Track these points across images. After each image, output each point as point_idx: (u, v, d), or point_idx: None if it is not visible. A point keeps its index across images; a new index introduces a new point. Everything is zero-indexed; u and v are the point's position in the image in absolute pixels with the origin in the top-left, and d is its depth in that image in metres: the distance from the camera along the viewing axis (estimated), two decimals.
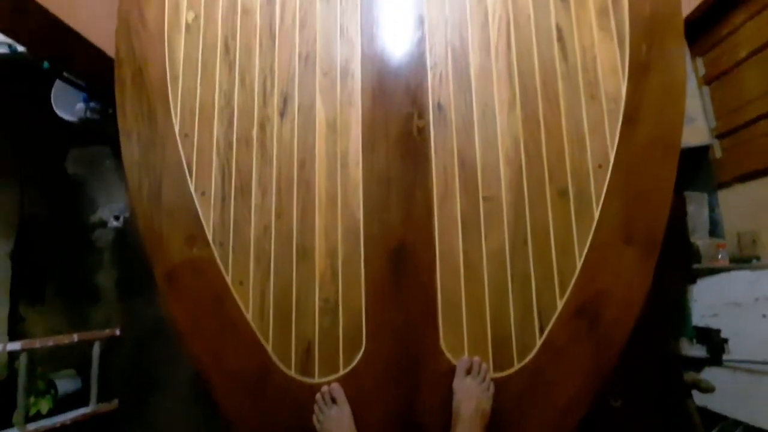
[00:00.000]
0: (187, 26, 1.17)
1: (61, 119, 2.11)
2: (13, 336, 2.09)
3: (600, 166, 1.04)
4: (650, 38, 1.12)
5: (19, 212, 2.35)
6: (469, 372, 0.96)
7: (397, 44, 1.11)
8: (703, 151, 1.83)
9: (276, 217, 1.04)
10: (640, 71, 1.10)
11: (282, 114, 1.09)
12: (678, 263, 1.66)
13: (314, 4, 1.15)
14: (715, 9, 1.78)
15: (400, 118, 1.06)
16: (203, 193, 1.07)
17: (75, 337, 1.76)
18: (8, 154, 2.32)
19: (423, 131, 1.05)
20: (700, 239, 1.74)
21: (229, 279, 1.02)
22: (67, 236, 2.37)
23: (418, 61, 1.09)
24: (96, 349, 1.82)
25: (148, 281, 1.12)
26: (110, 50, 1.45)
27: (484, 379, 0.95)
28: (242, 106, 1.11)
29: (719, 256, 1.59)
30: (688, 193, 1.83)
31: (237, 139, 1.09)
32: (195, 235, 1.05)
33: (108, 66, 1.28)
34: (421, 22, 1.11)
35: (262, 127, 1.09)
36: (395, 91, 1.07)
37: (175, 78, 1.14)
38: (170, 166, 1.10)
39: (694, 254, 1.68)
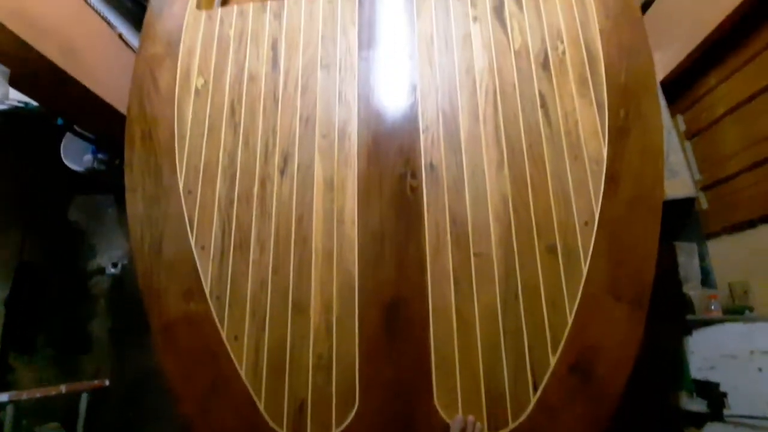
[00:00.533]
0: (197, 91, 1.26)
1: (67, 168, 2.19)
2: (0, 386, 2.03)
3: (586, 224, 1.08)
4: (627, 104, 1.20)
5: (17, 258, 2.37)
6: (463, 431, 0.95)
7: (391, 109, 1.19)
8: (689, 203, 1.89)
9: (273, 272, 1.07)
10: (619, 135, 1.17)
11: (282, 172, 1.15)
12: (672, 315, 1.67)
13: (315, 71, 1.24)
14: (690, 71, 1.91)
15: (394, 177, 1.12)
16: (203, 248, 1.11)
17: (63, 388, 1.73)
18: (12, 200, 2.36)
19: (416, 190, 1.10)
20: (692, 290, 1.76)
21: (224, 334, 1.03)
22: (63, 283, 2.38)
23: (411, 125, 1.16)
24: (83, 402, 1.77)
25: (141, 331, 1.12)
26: (121, 107, 1.54)
27: None
28: (245, 165, 1.17)
29: (712, 307, 1.60)
30: (677, 244, 1.87)
31: (238, 195, 1.14)
32: (193, 289, 1.07)
33: (118, 121, 1.36)
34: (414, 89, 1.20)
35: (263, 185, 1.14)
36: (389, 152, 1.14)
37: (182, 138, 1.21)
38: (172, 220, 1.14)
39: (687, 305, 1.69)
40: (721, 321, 1.53)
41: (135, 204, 1.18)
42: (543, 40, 1.25)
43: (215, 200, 1.15)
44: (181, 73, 1.29)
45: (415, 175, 1.12)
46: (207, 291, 1.07)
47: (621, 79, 1.23)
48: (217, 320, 1.04)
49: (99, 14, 1.76)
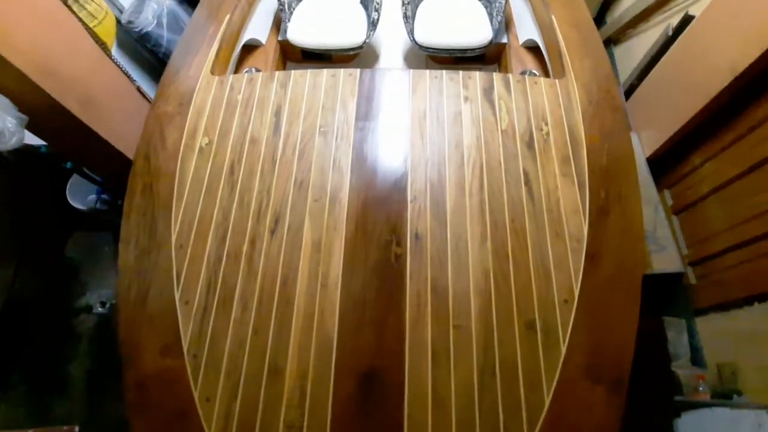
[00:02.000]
0: (200, 149, 1.33)
1: (70, 204, 2.24)
2: None
3: (566, 301, 1.10)
4: (607, 185, 1.26)
5: (7, 292, 2.36)
6: None
7: (382, 178, 1.25)
8: (677, 277, 1.91)
9: (253, 332, 1.07)
10: (599, 214, 1.22)
11: (272, 232, 1.19)
12: (661, 393, 1.63)
13: (313, 138, 1.32)
14: (675, 149, 2.00)
15: (380, 244, 1.15)
16: (186, 303, 1.12)
17: None
18: (7, 232, 2.39)
19: (400, 258, 1.13)
20: (681, 368, 1.73)
21: (196, 394, 1.02)
22: (49, 319, 2.36)
23: (400, 194, 1.21)
24: None
25: (119, 378, 1.11)
26: (130, 153, 1.61)
27: None
28: (237, 223, 1.21)
29: (700, 389, 1.57)
30: (666, 319, 1.86)
31: (228, 252, 1.17)
32: (171, 345, 1.07)
33: (127, 167, 1.42)
34: (405, 159, 1.27)
35: (253, 243, 1.18)
36: (377, 219, 1.18)
37: (181, 193, 1.27)
38: (160, 273, 1.16)
39: (676, 384, 1.66)
40: (709, 405, 1.49)
41: (127, 255, 1.21)
42: (529, 121, 1.33)
43: (205, 256, 1.17)
44: (188, 132, 1.37)
45: (400, 242, 1.15)
46: (185, 348, 1.07)
47: (602, 162, 1.30)
48: (191, 379, 1.03)
49: (120, 68, 1.89)
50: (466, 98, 1.36)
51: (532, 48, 1.90)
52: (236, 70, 1.92)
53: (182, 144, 1.35)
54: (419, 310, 1.08)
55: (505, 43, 2.03)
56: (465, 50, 1.91)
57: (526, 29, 1.93)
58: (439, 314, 1.07)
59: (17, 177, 2.14)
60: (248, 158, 1.30)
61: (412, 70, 1.42)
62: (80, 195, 2.26)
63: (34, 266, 2.41)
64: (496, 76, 1.41)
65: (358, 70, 1.42)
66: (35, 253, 2.42)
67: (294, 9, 2.04)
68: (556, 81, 1.43)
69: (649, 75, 2.04)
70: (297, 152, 1.29)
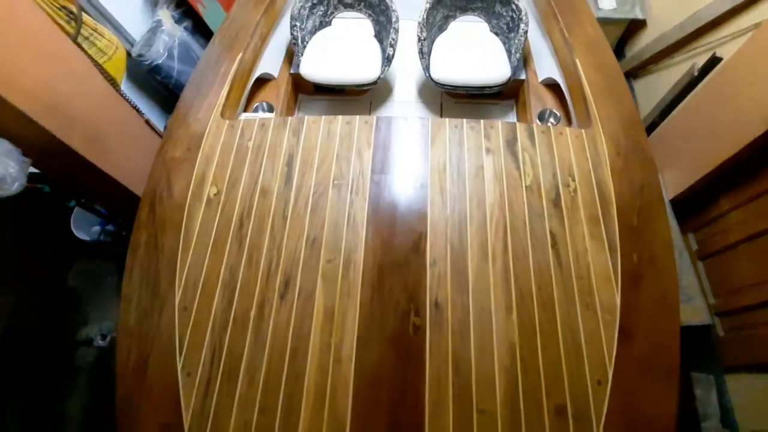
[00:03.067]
0: (208, 200, 1.27)
1: (74, 234, 2.19)
2: None
3: (599, 383, 1.01)
4: (640, 248, 1.18)
5: (7, 320, 2.30)
6: None
7: (399, 238, 1.17)
8: (704, 330, 1.81)
9: (259, 412, 0.99)
10: (632, 281, 1.13)
11: (282, 296, 1.11)
12: None
13: (327, 190, 1.25)
14: (701, 192, 1.91)
15: (397, 314, 1.07)
16: (189, 374, 1.05)
17: None
18: (10, 259, 2.34)
19: (419, 330, 1.05)
20: (711, 430, 1.62)
21: None
22: (47, 351, 2.29)
23: (418, 258, 1.14)
24: None
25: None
26: (139, 190, 1.55)
27: None
28: (245, 284, 1.14)
29: None
30: (694, 375, 1.76)
31: (234, 317, 1.10)
32: (171, 423, 0.99)
33: (134, 201, 1.36)
34: (423, 218, 1.20)
35: (261, 308, 1.10)
36: (394, 286, 1.11)
37: (186, 248, 1.20)
38: (162, 339, 1.09)
39: None
40: None
41: (128, 315, 1.14)
42: (554, 177, 1.26)
43: (210, 320, 1.10)
44: (196, 180, 1.31)
45: (419, 312, 1.08)
46: (186, 426, 0.99)
47: (633, 222, 1.22)
48: None
49: (129, 102, 1.85)
50: (488, 150, 1.29)
51: (551, 85, 1.84)
52: (247, 104, 1.88)
53: (189, 193, 1.29)
54: (440, 392, 0.99)
55: (524, 80, 1.97)
56: (482, 88, 1.85)
57: (546, 67, 1.87)
58: (461, 396, 0.99)
59: (19, 209, 2.10)
60: (258, 211, 1.23)
61: (430, 118, 1.36)
62: (84, 225, 2.21)
63: (34, 296, 2.36)
64: (520, 127, 1.34)
65: (374, 117, 1.36)
66: (36, 282, 2.37)
67: (307, 43, 1.99)
68: (582, 131, 1.36)
69: (673, 114, 1.97)
70: (309, 206, 1.23)
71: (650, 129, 2.18)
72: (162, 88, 2.13)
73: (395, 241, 1.17)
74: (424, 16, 1.84)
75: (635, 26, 2.33)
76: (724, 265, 1.84)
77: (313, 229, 1.19)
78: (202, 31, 2.22)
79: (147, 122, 1.96)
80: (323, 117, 1.37)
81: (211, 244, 1.20)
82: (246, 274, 1.15)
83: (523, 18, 1.80)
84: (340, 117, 1.37)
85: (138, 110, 1.91)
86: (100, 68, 1.65)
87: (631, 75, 2.40)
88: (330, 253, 1.16)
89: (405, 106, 2.14)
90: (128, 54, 1.93)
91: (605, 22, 2.30)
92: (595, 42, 1.62)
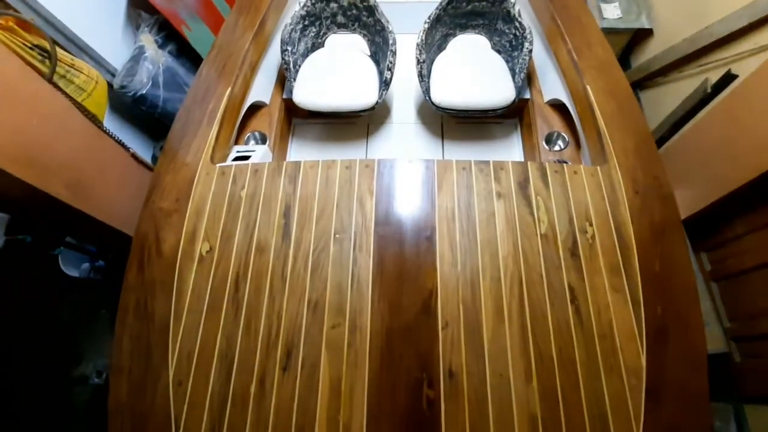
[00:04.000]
0: (201, 258, 1.18)
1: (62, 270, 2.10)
2: None
3: None
4: (664, 299, 1.11)
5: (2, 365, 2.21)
6: None
7: (408, 298, 1.09)
8: (721, 358, 1.75)
9: None
10: (657, 337, 1.06)
11: (285, 369, 1.03)
12: None
13: (328, 246, 1.16)
14: (715, 213, 1.84)
15: (409, 385, 1.00)
16: None
17: None
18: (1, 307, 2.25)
19: (433, 405, 0.98)
20: None
21: None
22: (44, 392, 2.21)
23: (429, 320, 1.06)
24: None
25: None
26: (129, 229, 1.45)
27: None
28: (243, 355, 1.06)
29: None
30: (712, 404, 1.70)
31: (233, 393, 1.02)
32: None
33: (124, 241, 1.26)
34: (433, 275, 1.12)
35: (262, 383, 1.02)
36: (404, 353, 1.03)
37: (179, 314, 1.12)
38: (157, 418, 1.01)
39: None
40: None
41: (119, 389, 1.06)
42: (571, 222, 1.18)
43: (207, 397, 1.02)
44: (187, 235, 1.22)
45: (432, 383, 1.00)
46: None
47: (655, 268, 1.15)
48: None
49: (113, 137, 1.74)
50: (499, 195, 1.21)
51: (557, 105, 1.76)
52: (239, 135, 1.78)
53: (180, 250, 1.20)
54: None
55: (528, 99, 1.88)
56: (485, 111, 1.77)
57: (552, 87, 1.78)
58: None
59: (2, 262, 2.00)
60: (255, 271, 1.15)
61: (436, 161, 1.27)
62: (74, 261, 2.12)
63: (27, 337, 2.27)
64: (532, 167, 1.26)
65: (376, 160, 1.27)
66: (28, 322, 2.28)
67: (300, 66, 1.89)
68: (598, 168, 1.28)
69: (685, 131, 1.89)
70: (310, 265, 1.14)
71: (659, 143, 2.11)
72: (149, 116, 2.02)
73: (404, 301, 1.09)
74: (423, 37, 1.74)
75: (641, 35, 2.24)
76: (740, 288, 1.78)
77: (314, 291, 1.11)
78: (188, 54, 2.11)
79: (134, 156, 1.86)
80: (320, 162, 1.28)
81: (205, 310, 1.12)
82: (244, 343, 1.07)
83: (528, 36, 1.71)
84: (339, 161, 1.28)
85: (123, 145, 1.81)
86: (79, 107, 1.54)
87: (638, 86, 2.31)
88: (334, 317, 1.08)
89: (404, 128, 2.05)
90: (110, 85, 1.82)
91: (610, 32, 2.21)
92: (606, 65, 1.53)
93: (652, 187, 1.27)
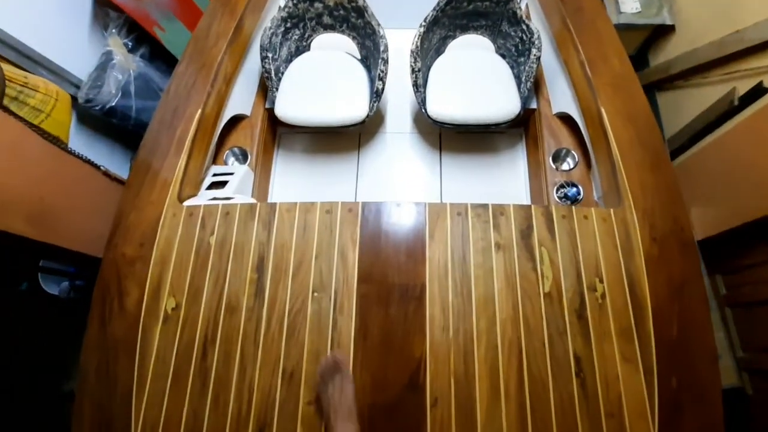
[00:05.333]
0: (166, 316, 1.07)
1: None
2: None
3: None
4: (680, 369, 0.99)
5: None
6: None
7: (393, 370, 0.98)
8: (735, 393, 1.65)
9: None
10: (671, 414, 0.95)
11: None
12: None
13: (306, 306, 1.04)
14: (733, 235, 1.70)
15: None
16: None
17: None
18: None
19: None
20: None
21: None
22: (36, 409, 2.16)
23: (416, 397, 0.95)
24: None
25: None
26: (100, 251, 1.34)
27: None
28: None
29: None
30: None
31: None
32: None
33: (98, 262, 1.17)
34: (421, 340, 1.00)
35: None
36: None
37: (142, 380, 1.01)
38: None
39: None
40: None
41: None
42: (579, 278, 1.05)
43: None
44: (151, 288, 1.10)
45: None
46: None
47: (672, 333, 1.02)
48: None
49: (80, 157, 1.60)
50: (498, 246, 1.08)
51: (566, 117, 1.58)
52: (217, 152, 1.64)
53: (144, 306, 1.08)
54: None
55: (535, 109, 1.71)
56: (488, 125, 1.60)
57: (562, 99, 1.60)
58: None
59: None
60: (224, 334, 1.03)
61: (428, 205, 1.13)
62: (54, 279, 2.02)
63: (12, 360, 2.20)
64: (536, 211, 1.11)
65: (360, 204, 1.13)
66: (11, 345, 2.21)
67: (282, 74, 1.71)
68: (611, 212, 1.13)
69: (706, 144, 1.72)
70: (285, 328, 1.03)
71: (675, 153, 1.94)
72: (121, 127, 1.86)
73: (388, 374, 0.98)
74: (417, 43, 1.55)
75: (662, 32, 2.02)
76: (758, 320, 1.66)
77: (289, 359, 1.00)
78: (163, 56, 1.93)
79: (106, 174, 1.72)
80: (298, 204, 1.14)
81: (170, 377, 1.01)
82: (213, 418, 0.97)
83: (536, 42, 1.52)
84: (318, 204, 1.14)
85: (93, 164, 1.67)
86: (37, 129, 1.40)
87: (655, 86, 2.11)
88: (311, 392, 0.97)
89: (399, 138, 1.89)
90: (75, 99, 1.66)
91: (627, 28, 2.00)
92: (623, 82, 1.35)
93: (672, 233, 1.13)
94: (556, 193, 1.54)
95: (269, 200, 1.74)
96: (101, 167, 1.71)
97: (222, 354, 1.01)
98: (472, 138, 1.85)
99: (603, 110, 1.29)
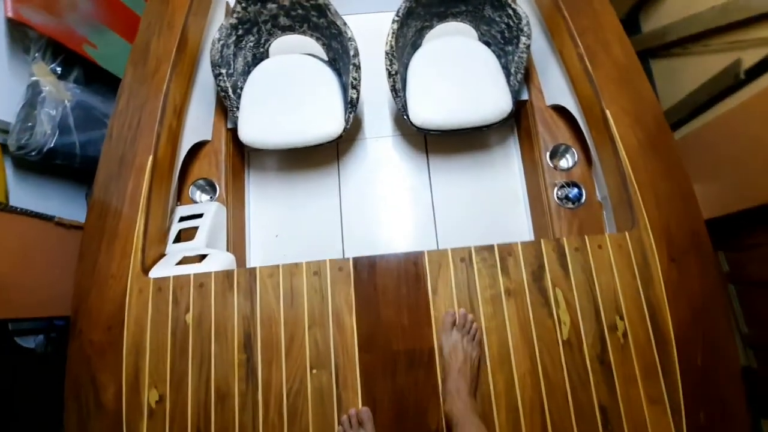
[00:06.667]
0: (150, 411, 0.96)
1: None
2: None
3: None
4: (707, 401, 0.94)
5: None
6: (454, 325, 0.94)
7: None
8: (743, 370, 1.65)
9: None
10: None
11: None
12: None
13: (305, 385, 0.94)
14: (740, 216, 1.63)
15: None
16: None
17: None
18: None
19: None
20: None
21: None
22: None
23: None
24: None
25: None
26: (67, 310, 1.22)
27: (469, 330, 0.93)
28: None
29: None
30: None
31: None
32: None
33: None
34: (436, 410, 0.91)
35: None
36: None
37: None
38: None
39: None
40: None
41: None
42: (598, 318, 0.96)
43: None
44: (128, 380, 0.98)
45: None
46: None
47: (697, 362, 0.96)
48: None
49: (22, 213, 1.41)
50: (508, 292, 0.97)
51: (561, 108, 1.44)
52: (181, 190, 1.46)
53: (124, 401, 0.97)
54: None
55: (527, 101, 1.56)
56: (477, 128, 1.45)
57: (557, 90, 1.45)
58: None
59: None
60: (218, 425, 0.93)
61: (427, 254, 1.00)
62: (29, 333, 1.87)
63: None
64: (546, 247, 1.00)
65: (350, 261, 1.00)
66: None
67: (241, 90, 1.51)
68: (626, 236, 1.03)
69: (711, 120, 1.61)
70: (285, 412, 0.93)
71: (675, 126, 1.82)
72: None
73: None
74: (392, 42, 1.36)
75: None
76: (760, 299, 1.63)
77: None
78: (101, 77, 1.68)
79: (59, 223, 1.54)
80: (281, 268, 1.01)
81: None
82: None
83: (524, 29, 1.35)
84: (303, 265, 1.00)
85: (42, 216, 1.48)
86: None
87: (649, 54, 1.95)
88: None
89: (381, 143, 1.72)
90: (5, 146, 1.43)
91: None
92: (628, 74, 1.20)
93: (691, 248, 1.04)
94: (556, 194, 1.43)
95: (248, 235, 1.59)
96: (54, 218, 1.52)
97: None
98: (459, 136, 1.70)
99: (608, 112, 1.15)
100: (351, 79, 1.37)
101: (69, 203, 1.77)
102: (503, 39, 1.48)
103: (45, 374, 2.11)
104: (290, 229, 1.61)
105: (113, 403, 0.97)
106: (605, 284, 0.98)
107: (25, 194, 1.57)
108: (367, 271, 0.99)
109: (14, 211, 1.37)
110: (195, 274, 1.03)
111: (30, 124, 1.43)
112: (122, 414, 0.96)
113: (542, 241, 1.01)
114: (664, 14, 1.84)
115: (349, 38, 1.36)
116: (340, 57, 1.49)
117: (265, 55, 1.59)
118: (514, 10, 1.37)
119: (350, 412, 0.90)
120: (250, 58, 1.54)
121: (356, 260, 1.00)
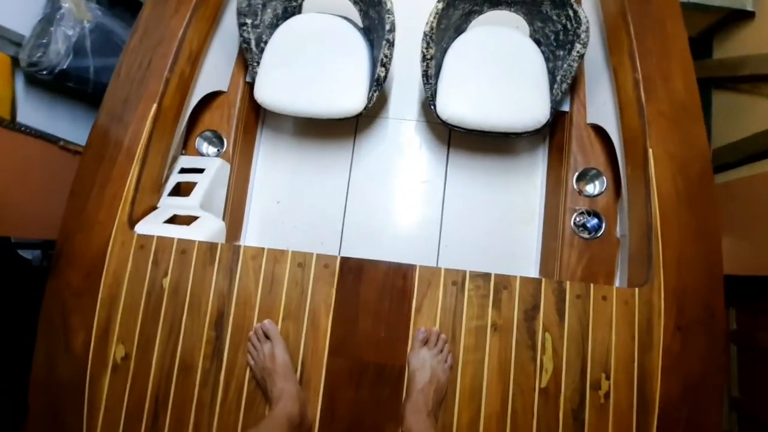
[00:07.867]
0: (115, 366, 0.96)
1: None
2: None
3: None
4: None
5: None
6: (425, 343, 0.90)
7: None
8: None
9: None
10: None
11: None
12: None
13: None
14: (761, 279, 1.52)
15: None
16: None
17: None
18: None
19: None
20: None
21: None
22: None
23: None
24: None
25: None
26: None
27: (441, 350, 0.90)
28: None
29: None
30: None
31: None
32: None
33: None
34: (395, 430, 0.89)
35: None
36: None
37: None
38: None
39: None
40: None
41: None
42: (583, 374, 0.91)
43: None
44: (98, 331, 0.97)
45: None
46: None
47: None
48: None
49: (28, 133, 1.38)
50: (495, 327, 0.92)
51: (601, 128, 1.32)
52: (188, 135, 1.41)
53: (91, 350, 0.97)
54: None
55: (566, 113, 1.43)
56: (508, 134, 1.35)
57: (601, 110, 1.32)
58: None
59: None
60: (177, 398, 0.93)
61: (419, 268, 0.94)
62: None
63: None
64: (546, 288, 0.93)
65: (338, 261, 0.95)
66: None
67: (265, 44, 1.41)
68: (635, 292, 0.95)
69: (759, 175, 1.46)
70: (244, 399, 0.92)
71: (718, 169, 1.68)
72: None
73: None
74: (434, 23, 1.23)
75: (736, 16, 1.62)
76: (763, 367, 1.55)
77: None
78: (127, 1, 1.58)
79: (64, 147, 1.51)
80: (265, 252, 0.96)
81: None
82: None
83: (582, 35, 1.21)
84: (289, 254, 0.96)
85: (47, 138, 1.45)
86: None
87: (713, 83, 1.76)
88: None
89: (402, 126, 1.63)
90: (17, 60, 1.38)
91: (696, 8, 1.61)
92: (684, 114, 1.07)
93: (701, 321, 0.96)
94: (574, 220, 1.34)
95: (249, 195, 1.54)
96: (60, 141, 1.49)
97: (174, 421, 0.92)
98: (487, 136, 1.58)
99: (651, 151, 1.04)
100: (382, 55, 1.26)
101: (79, 127, 1.74)
102: (556, 41, 1.33)
103: (39, 288, 2.17)
104: (293, 199, 1.56)
105: (81, 349, 0.97)
106: (600, 339, 0.92)
107: (35, 111, 1.53)
108: (353, 276, 0.94)
109: (17, 129, 1.34)
110: (179, 239, 0.99)
111: (44, 40, 1.37)
112: (88, 362, 0.97)
113: (543, 281, 0.94)
114: (741, 43, 1.64)
115: (388, 10, 1.24)
116: (375, 28, 1.37)
117: (297, 10, 1.47)
118: (575, 12, 1.22)
119: (254, 327, 0.92)
120: (280, 11, 1.43)
121: (344, 261, 0.95)
